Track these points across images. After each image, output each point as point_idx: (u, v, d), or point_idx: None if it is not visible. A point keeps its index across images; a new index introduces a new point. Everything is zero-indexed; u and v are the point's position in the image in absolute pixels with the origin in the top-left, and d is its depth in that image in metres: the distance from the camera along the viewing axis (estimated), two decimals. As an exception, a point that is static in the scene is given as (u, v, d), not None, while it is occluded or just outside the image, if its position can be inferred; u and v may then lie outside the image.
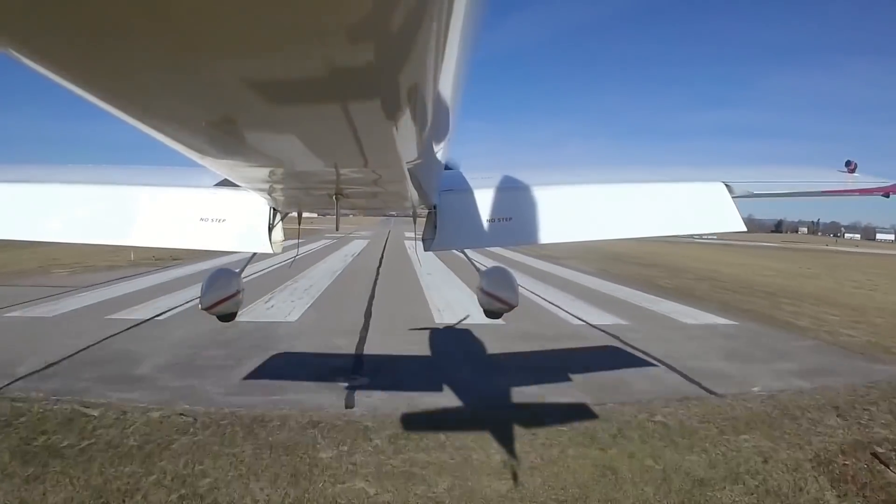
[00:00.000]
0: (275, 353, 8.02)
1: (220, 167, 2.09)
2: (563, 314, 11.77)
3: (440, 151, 2.07)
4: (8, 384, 6.22)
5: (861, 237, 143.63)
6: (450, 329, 9.94)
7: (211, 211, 4.23)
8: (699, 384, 7.07)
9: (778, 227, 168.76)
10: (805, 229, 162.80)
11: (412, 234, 5.75)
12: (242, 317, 6.55)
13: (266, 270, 15.68)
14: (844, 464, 4.88)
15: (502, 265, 5.58)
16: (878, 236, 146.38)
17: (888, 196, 4.71)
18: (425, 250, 4.44)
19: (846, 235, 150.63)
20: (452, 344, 9.14)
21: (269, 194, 3.31)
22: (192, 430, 5.21)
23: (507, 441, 5.11)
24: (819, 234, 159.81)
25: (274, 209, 4.11)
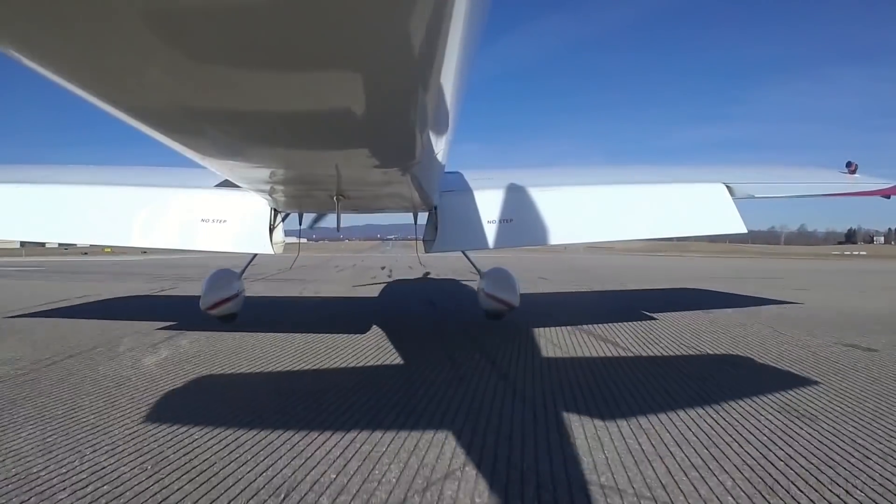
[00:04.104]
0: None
1: (221, 168, 2.04)
2: None
3: (441, 153, 1.99)
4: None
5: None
6: None
7: (212, 212, 4.09)
8: None
9: (851, 236, 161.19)
10: (882, 238, 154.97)
11: None
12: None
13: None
14: None
15: (503, 267, 5.49)
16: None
17: (889, 198, 4.80)
18: (426, 252, 4.47)
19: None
20: None
21: (271, 195, 3.28)
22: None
23: None
24: (892, 242, 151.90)
25: (275, 210, 4.04)
